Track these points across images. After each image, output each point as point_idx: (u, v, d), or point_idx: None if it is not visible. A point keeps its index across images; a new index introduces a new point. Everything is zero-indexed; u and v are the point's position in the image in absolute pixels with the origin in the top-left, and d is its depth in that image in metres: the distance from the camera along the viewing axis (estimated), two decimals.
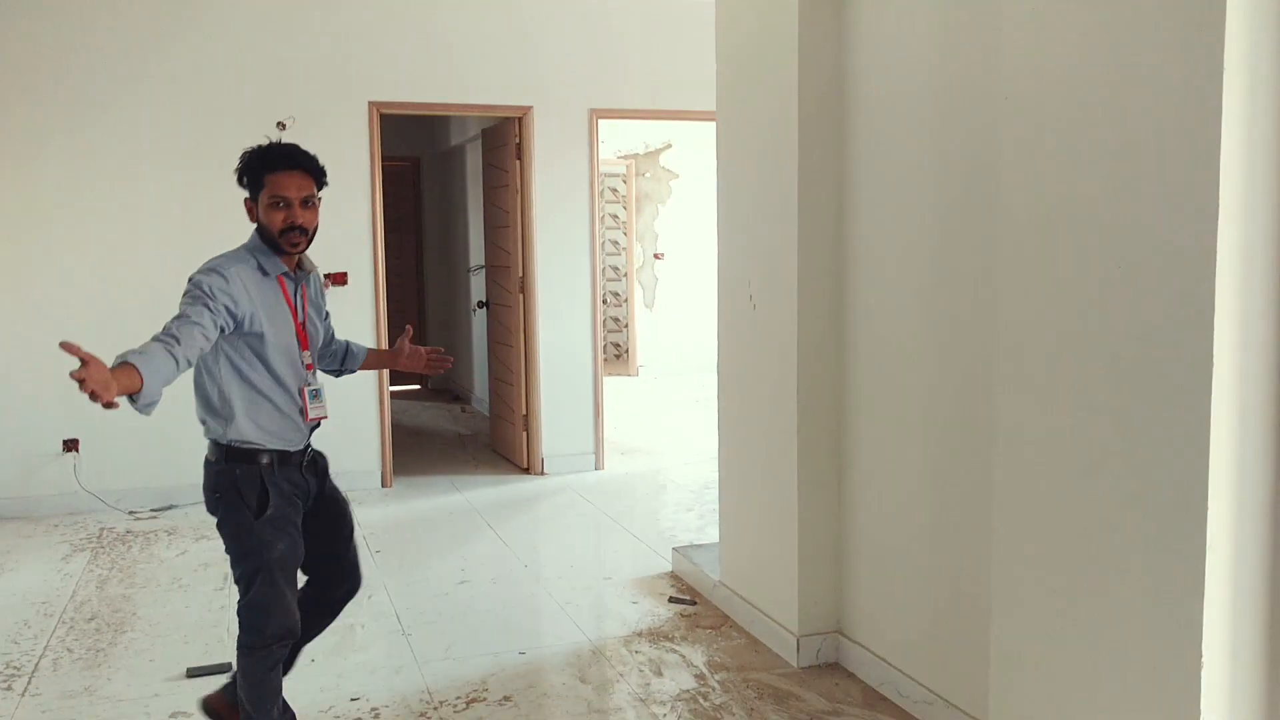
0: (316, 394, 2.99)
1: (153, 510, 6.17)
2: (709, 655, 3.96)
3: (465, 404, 9.85)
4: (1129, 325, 2.21)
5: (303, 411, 2.96)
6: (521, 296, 6.96)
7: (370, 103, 6.47)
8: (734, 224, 4.23)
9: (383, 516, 6.05)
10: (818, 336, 3.76)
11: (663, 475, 7.05)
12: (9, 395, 6.03)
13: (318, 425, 3.06)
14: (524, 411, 7.02)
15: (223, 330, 2.77)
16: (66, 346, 2.27)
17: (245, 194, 2.97)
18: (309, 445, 3.05)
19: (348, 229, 6.51)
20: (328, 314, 3.25)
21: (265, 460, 2.91)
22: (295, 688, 3.63)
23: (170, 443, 6.28)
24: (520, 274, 6.95)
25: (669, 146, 11.70)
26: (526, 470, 7.03)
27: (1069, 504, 2.39)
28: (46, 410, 6.07)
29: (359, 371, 3.49)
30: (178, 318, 2.68)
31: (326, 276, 6.45)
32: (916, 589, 3.43)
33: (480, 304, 7.85)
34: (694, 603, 4.52)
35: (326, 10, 6.38)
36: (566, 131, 6.86)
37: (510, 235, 7.08)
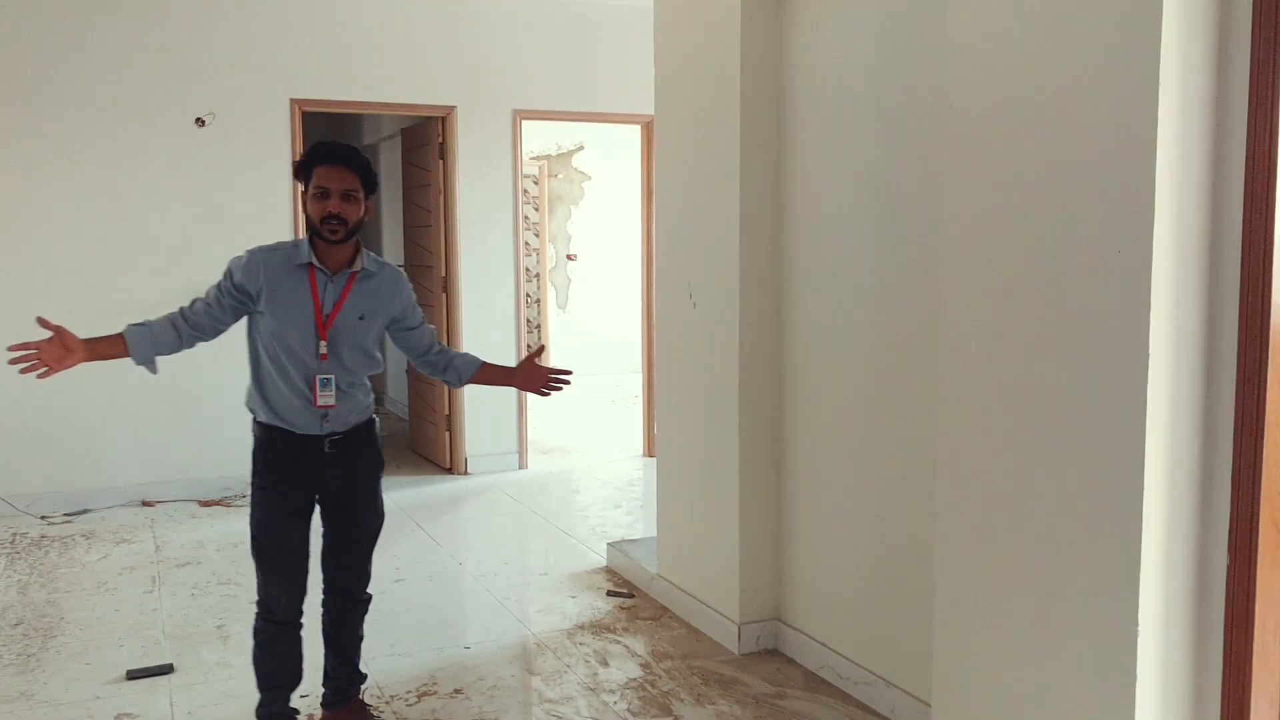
0: (327, 384, 3.08)
1: (66, 515, 6.00)
2: (652, 645, 4.06)
3: (379, 406, 9.75)
4: (1068, 314, 2.36)
5: (311, 399, 3.07)
6: (445, 296, 6.96)
7: (292, 100, 6.41)
8: (672, 223, 4.34)
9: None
10: (758, 332, 3.89)
11: (587, 473, 7.13)
12: None
13: (328, 415, 3.11)
14: (447, 412, 7.03)
15: (241, 305, 3.08)
16: (42, 322, 2.76)
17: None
18: (332, 433, 3.12)
19: (272, 227, 6.42)
20: (421, 321, 3.30)
21: (267, 435, 3.13)
22: (240, 688, 3.63)
23: (84, 445, 6.14)
24: (444, 273, 6.96)
25: (581, 148, 11.77)
26: (450, 470, 7.03)
27: (1011, 490, 2.54)
28: None
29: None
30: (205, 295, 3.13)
31: None
32: (855, 575, 3.58)
33: None
34: (632, 595, 4.61)
35: (248, 5, 6.30)
36: (490, 132, 6.90)
37: (433, 235, 7.07)
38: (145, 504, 6.19)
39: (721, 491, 4.04)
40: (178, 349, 3.11)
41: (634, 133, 11.86)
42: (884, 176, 3.35)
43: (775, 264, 3.87)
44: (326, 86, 6.50)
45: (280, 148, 6.41)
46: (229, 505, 6.22)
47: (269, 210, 6.40)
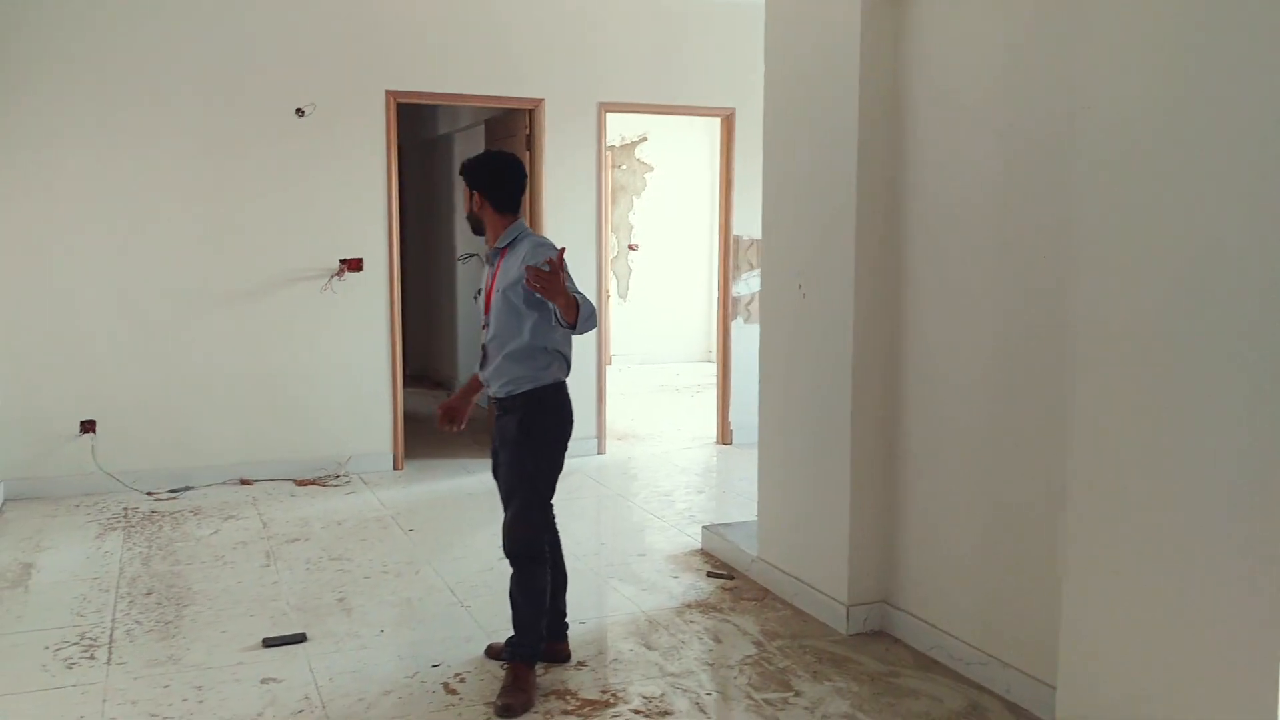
0: (484, 355, 3.67)
1: (170, 491, 6.22)
2: (761, 624, 4.20)
3: (449, 390, 9.96)
4: (1216, 315, 2.46)
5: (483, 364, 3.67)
6: None
7: (388, 92, 6.58)
8: (780, 214, 4.46)
9: (404, 497, 6.18)
10: (873, 318, 4.01)
11: (664, 459, 7.27)
12: (27, 377, 6.05)
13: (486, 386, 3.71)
14: None
15: None
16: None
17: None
18: (497, 396, 3.62)
19: (364, 216, 6.62)
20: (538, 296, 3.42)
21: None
22: (373, 657, 3.82)
23: (186, 425, 6.36)
24: None
25: (644, 139, 11.90)
26: None
27: (1147, 471, 2.64)
28: (64, 392, 6.11)
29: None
30: None
31: (342, 263, 6.56)
32: (968, 558, 3.70)
33: (478, 292, 7.98)
34: (732, 577, 4.75)
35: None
36: (576, 124, 7.05)
37: None
38: (243, 482, 6.40)
39: (831, 477, 4.17)
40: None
41: (698, 125, 12.05)
42: (1007, 165, 3.45)
43: (892, 252, 3.99)
44: (420, 78, 6.67)
45: (376, 138, 6.59)
46: (324, 484, 6.41)
47: (362, 200, 6.59)
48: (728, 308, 7.62)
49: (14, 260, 5.99)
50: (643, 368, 11.73)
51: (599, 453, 7.28)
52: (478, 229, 3.67)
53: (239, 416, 6.46)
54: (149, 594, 4.51)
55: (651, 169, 12.02)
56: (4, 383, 6.01)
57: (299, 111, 6.41)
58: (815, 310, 4.24)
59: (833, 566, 4.17)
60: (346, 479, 6.55)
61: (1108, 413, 2.77)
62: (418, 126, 10.59)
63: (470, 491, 6.31)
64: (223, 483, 6.38)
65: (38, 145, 5.97)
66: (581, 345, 7.21)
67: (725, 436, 7.64)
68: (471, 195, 3.61)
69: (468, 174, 3.62)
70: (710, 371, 11.48)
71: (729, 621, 4.24)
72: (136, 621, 4.20)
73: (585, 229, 7.17)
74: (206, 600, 4.44)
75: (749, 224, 7.32)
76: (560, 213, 7.03)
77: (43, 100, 5.96)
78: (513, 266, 3.51)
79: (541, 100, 6.93)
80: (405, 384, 7.02)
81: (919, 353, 3.91)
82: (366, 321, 6.70)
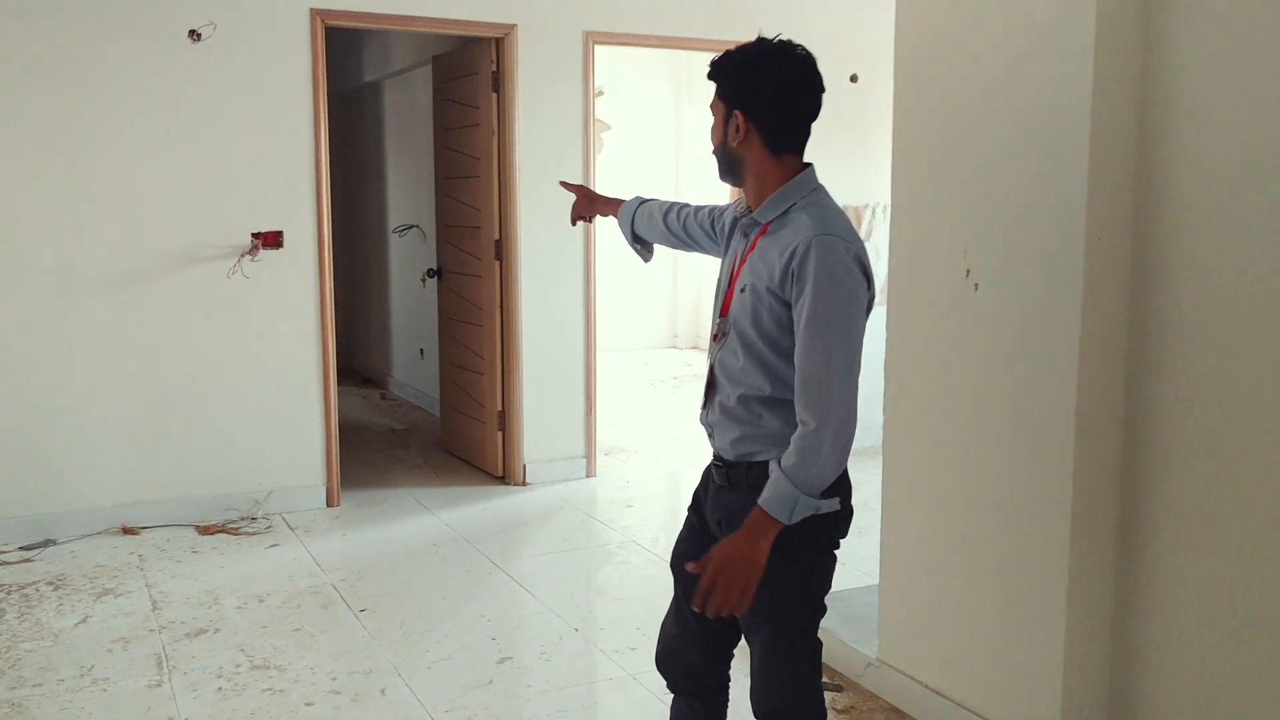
0: (712, 376, 2.21)
1: (23, 549, 4.57)
2: None
3: (383, 389, 8.36)
4: None
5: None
6: (499, 264, 5.59)
7: (313, 10, 4.96)
8: (933, 170, 3.02)
9: (346, 551, 4.63)
10: (1105, 327, 2.61)
11: (670, 482, 5.84)
12: None
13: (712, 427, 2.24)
14: (500, 407, 5.67)
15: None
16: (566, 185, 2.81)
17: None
18: (717, 457, 2.22)
19: (284, 176, 5.01)
20: (805, 315, 2.00)
21: None
22: None
23: (46, 456, 4.72)
24: (497, 236, 5.57)
25: (601, 94, 10.32)
26: (503, 480, 5.69)
27: None
28: None
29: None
30: None
31: (256, 237, 4.95)
32: (1259, 681, 2.33)
33: (431, 272, 6.40)
34: (840, 688, 3.33)
35: None
36: (556, 58, 5.50)
37: (480, 188, 5.68)
38: (127, 531, 4.77)
39: (1027, 558, 2.76)
40: (665, 239, 2.51)
41: (662, 77, 10.55)
42: None
43: (1141, 237, 2.58)
44: None
45: (299, 72, 4.96)
46: (236, 532, 4.83)
47: (283, 154, 4.97)
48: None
49: None
50: (604, 355, 10.20)
51: (588, 475, 5.79)
52: (731, 171, 2.16)
53: (120, 444, 4.80)
54: None
55: (609, 127, 10.49)
56: None
57: (193, 34, 4.75)
58: (999, 311, 2.82)
59: (1026, 691, 2.77)
60: (267, 522, 4.96)
61: None
62: (338, 74, 8.88)
63: (433, 540, 4.77)
64: (99, 533, 4.74)
65: None
66: (570, 339, 5.74)
67: None
68: (729, 116, 2.11)
69: (728, 75, 2.13)
70: (680, 360, 10.05)
71: None
72: None
73: (567, 195, 5.62)
74: None
75: None
76: (537, 175, 5.49)
77: None
78: (773, 256, 2.05)
79: (513, 27, 5.37)
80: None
81: (1184, 383, 2.51)
82: (289, 313, 5.10)
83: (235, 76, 4.84)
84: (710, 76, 2.13)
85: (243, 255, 4.92)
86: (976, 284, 2.87)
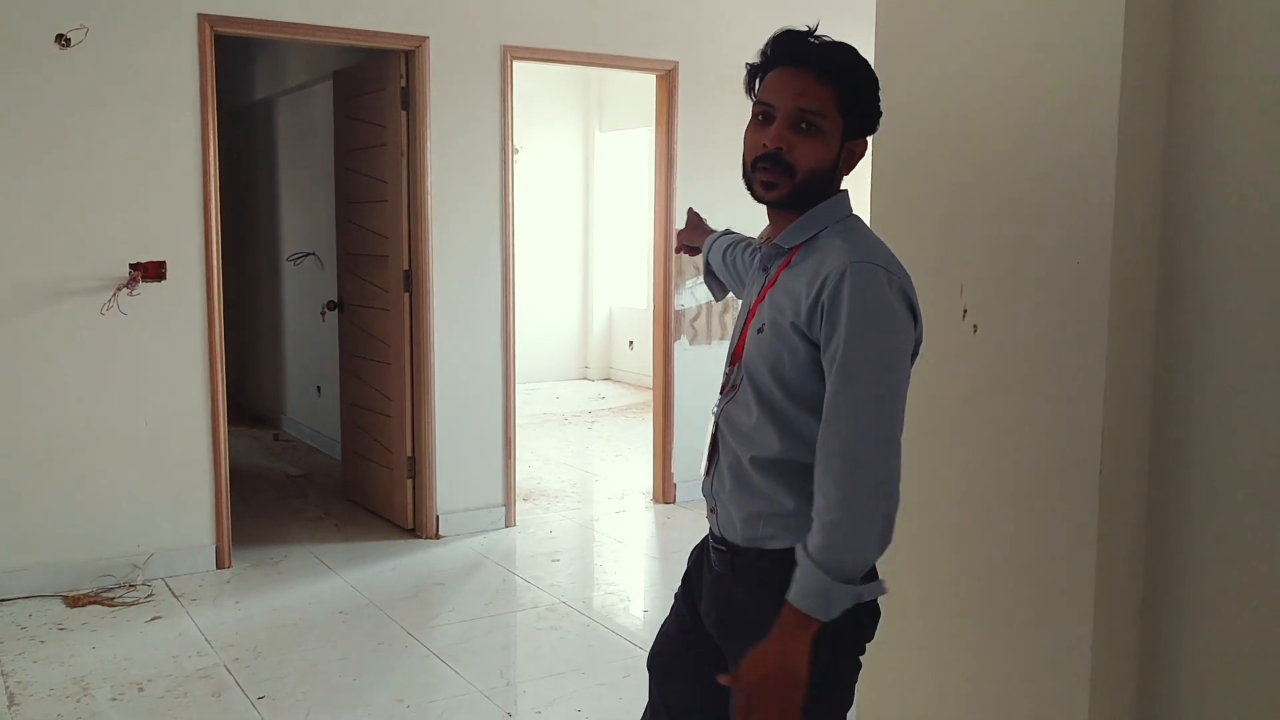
0: (716, 433, 1.84)
1: None
2: None
3: (276, 430, 7.76)
4: None
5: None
6: (408, 296, 5.12)
7: (201, 15, 4.45)
8: (922, 197, 2.69)
9: (240, 623, 4.09)
10: (1130, 375, 2.30)
11: (598, 530, 5.41)
12: None
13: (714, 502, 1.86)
14: (410, 452, 5.18)
15: None
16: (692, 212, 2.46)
17: None
18: (716, 537, 1.84)
19: (168, 200, 4.48)
20: (837, 361, 1.64)
21: None
22: None
23: None
24: (406, 265, 5.11)
25: (518, 151, 9.92)
26: (414, 532, 5.20)
27: None
28: None
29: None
30: None
31: (135, 269, 4.40)
32: None
33: (331, 305, 5.88)
34: None
35: None
36: (471, 73, 5.09)
37: (387, 213, 5.21)
38: None
39: (1047, 620, 2.43)
40: (726, 280, 2.26)
41: (568, 97, 10.16)
42: None
43: (1167, 258, 2.28)
44: (246, 1, 4.56)
45: (184, 82, 4.45)
46: (111, 603, 4.25)
47: (165, 175, 4.45)
48: (669, 325, 5.81)
49: None
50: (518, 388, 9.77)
51: (508, 525, 5.34)
52: (803, 201, 1.74)
53: None
54: None
55: (518, 150, 10.06)
56: None
57: (61, 39, 4.21)
58: (993, 354, 2.49)
59: None
60: (148, 590, 4.39)
61: None
62: (228, 90, 8.28)
63: (339, 607, 4.26)
64: None
65: None
66: (487, 379, 5.30)
67: (666, 493, 5.82)
68: (846, 138, 1.75)
69: (859, 96, 1.74)
70: (593, 393, 9.65)
71: None
72: None
73: (486, 218, 5.22)
74: None
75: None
76: (450, 200, 5.06)
77: None
78: (799, 288, 1.70)
79: (424, 39, 4.93)
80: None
81: (1219, 420, 2.21)
82: (172, 353, 4.55)
83: (111, 88, 4.30)
84: (832, 81, 1.69)
85: (119, 288, 4.36)
86: (976, 327, 2.55)
